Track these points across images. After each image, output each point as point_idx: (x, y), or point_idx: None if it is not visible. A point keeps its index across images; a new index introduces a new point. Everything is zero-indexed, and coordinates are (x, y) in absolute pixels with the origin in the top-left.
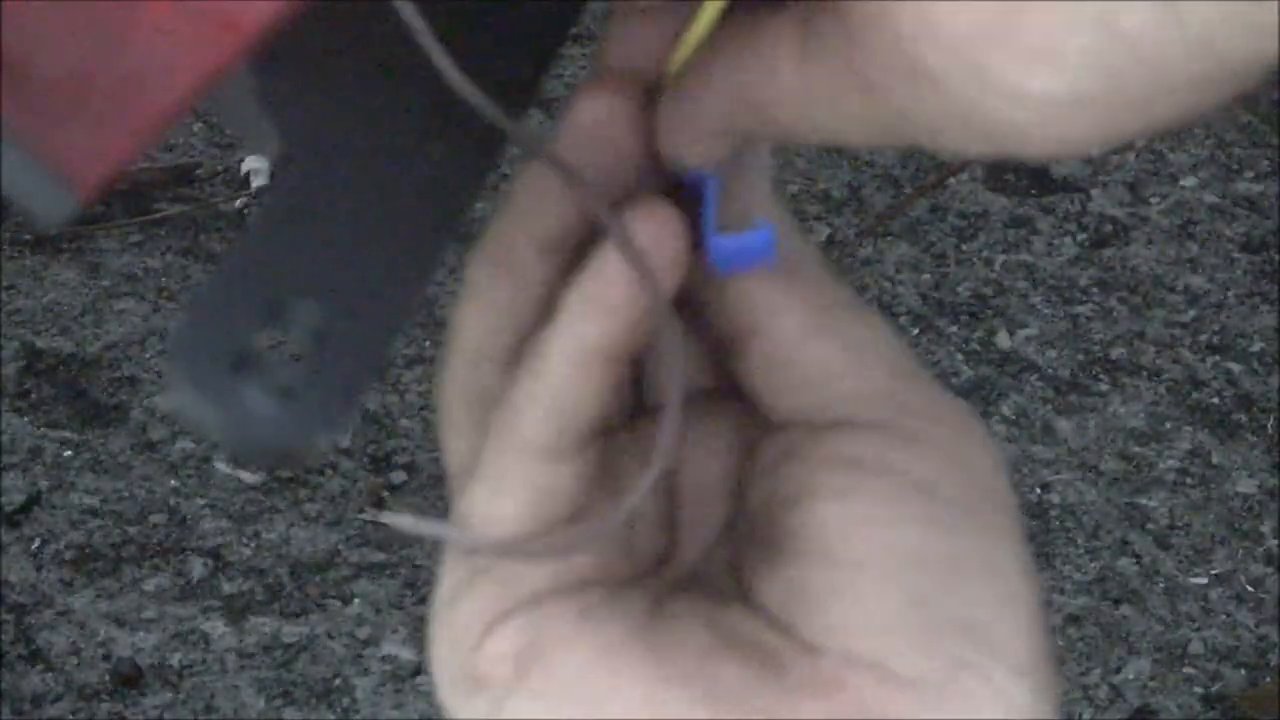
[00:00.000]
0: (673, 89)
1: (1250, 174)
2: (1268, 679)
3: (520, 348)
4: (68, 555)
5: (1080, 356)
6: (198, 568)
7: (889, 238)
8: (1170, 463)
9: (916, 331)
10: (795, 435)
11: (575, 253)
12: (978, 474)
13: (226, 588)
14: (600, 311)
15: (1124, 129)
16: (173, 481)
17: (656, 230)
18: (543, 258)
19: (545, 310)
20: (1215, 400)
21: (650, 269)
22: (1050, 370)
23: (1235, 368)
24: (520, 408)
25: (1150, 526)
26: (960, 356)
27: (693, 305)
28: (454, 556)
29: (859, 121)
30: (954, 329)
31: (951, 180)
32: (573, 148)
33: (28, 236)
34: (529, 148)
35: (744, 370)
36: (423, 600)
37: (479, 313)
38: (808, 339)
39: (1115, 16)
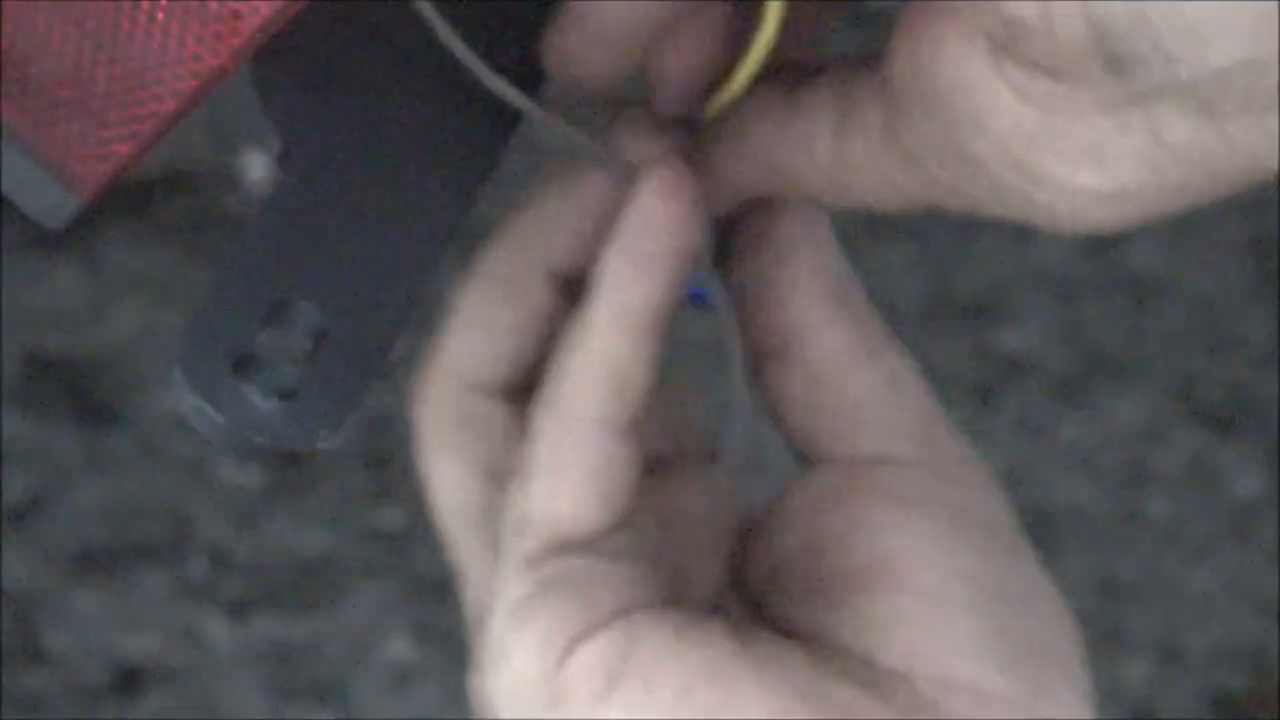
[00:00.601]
0: (704, 145)
1: None
2: (1268, 679)
3: (521, 379)
4: (67, 555)
5: (1080, 356)
6: (198, 568)
7: (889, 237)
8: (1170, 463)
9: (917, 331)
10: (834, 475)
11: (581, 289)
12: (1000, 506)
13: (226, 588)
14: (644, 265)
15: (1162, 212)
16: (173, 481)
17: (676, 182)
18: (550, 287)
19: (550, 342)
20: (1215, 400)
21: (679, 219)
22: (1050, 370)
23: (1235, 368)
24: (574, 382)
25: (1150, 526)
26: (961, 357)
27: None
28: (514, 568)
29: (891, 190)
30: (954, 329)
31: None
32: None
33: (28, 236)
34: (547, 125)
35: (781, 392)
36: (423, 600)
37: (473, 339)
38: (853, 364)
39: (1162, 128)
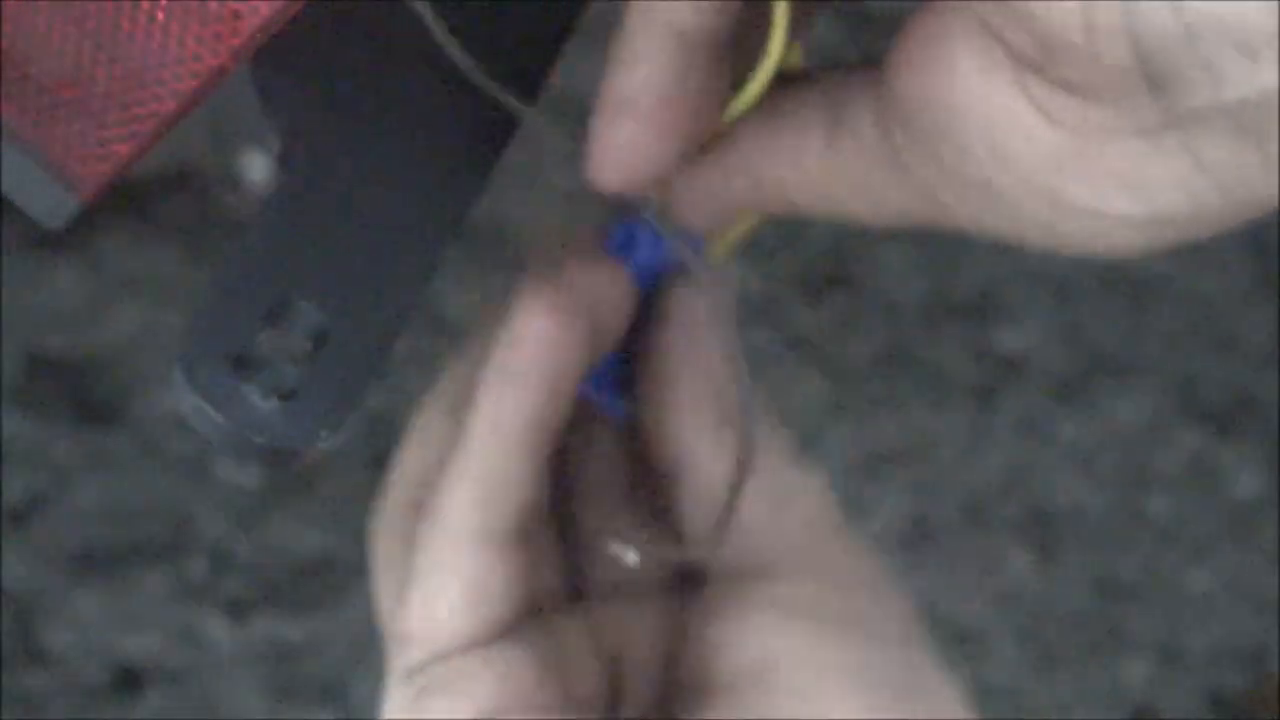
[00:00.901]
0: (696, 158)
1: None
2: (1268, 679)
3: None
4: (67, 555)
5: (1080, 356)
6: (198, 568)
7: (888, 237)
8: (1170, 463)
9: (917, 331)
10: (723, 587)
11: None
12: (890, 604)
13: (226, 588)
14: (514, 382)
15: (1197, 237)
16: (173, 481)
17: (552, 302)
18: None
19: None
20: (1215, 400)
21: (551, 338)
22: (1050, 370)
23: (1235, 368)
24: (448, 491)
25: (1150, 526)
26: (961, 356)
27: (630, 437)
28: (396, 680)
29: (886, 207)
30: (954, 329)
31: None
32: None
33: (28, 236)
34: (541, 133)
35: (675, 505)
36: None
37: (425, 456)
38: (735, 488)
39: (1203, 152)
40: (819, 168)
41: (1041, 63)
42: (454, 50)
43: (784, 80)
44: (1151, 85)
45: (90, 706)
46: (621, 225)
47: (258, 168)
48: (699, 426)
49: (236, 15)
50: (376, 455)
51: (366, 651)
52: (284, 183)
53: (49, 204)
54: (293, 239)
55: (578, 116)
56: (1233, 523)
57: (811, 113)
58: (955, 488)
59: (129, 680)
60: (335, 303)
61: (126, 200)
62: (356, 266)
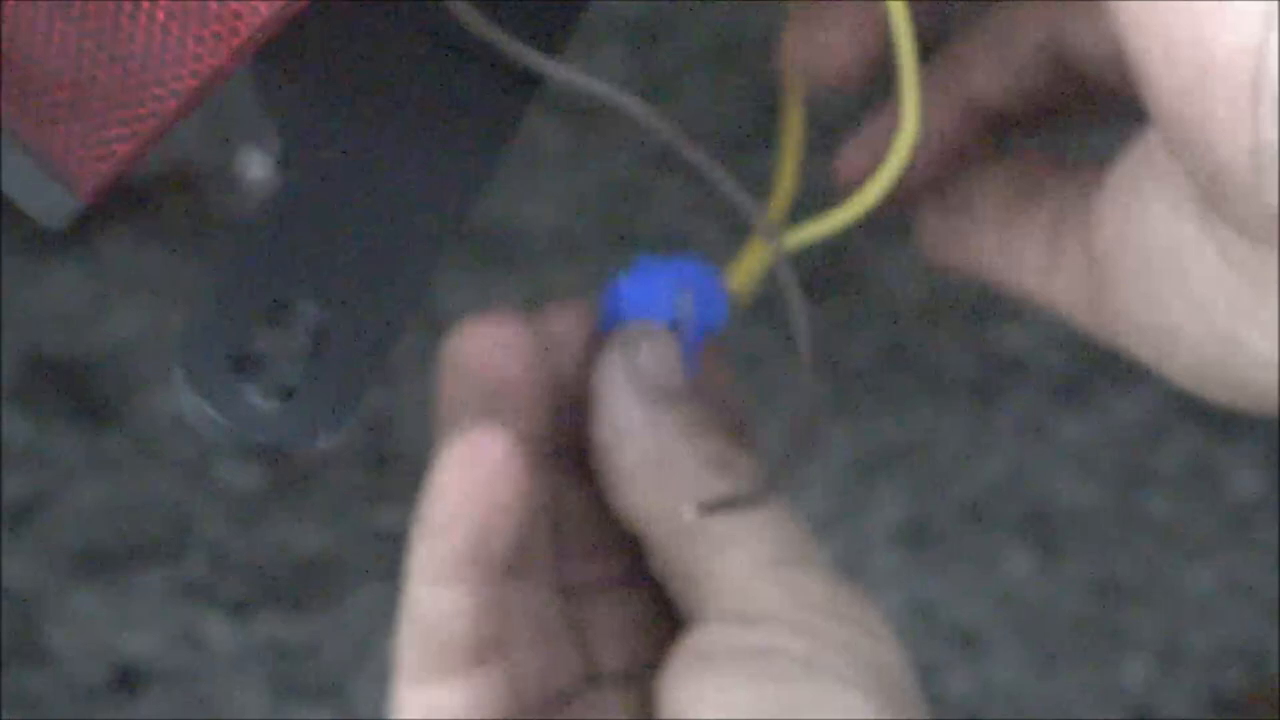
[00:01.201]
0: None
1: None
2: (1268, 679)
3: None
4: (67, 555)
5: (1080, 356)
6: (198, 568)
7: (888, 238)
8: (1170, 463)
9: (917, 332)
10: (691, 636)
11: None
12: (876, 668)
13: (226, 588)
14: (446, 525)
15: None
16: (173, 481)
17: (481, 448)
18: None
19: None
20: None
21: (478, 484)
22: (1050, 370)
23: None
24: (399, 635)
25: (1150, 526)
26: (961, 357)
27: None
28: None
29: (1091, 324)
30: (954, 329)
31: None
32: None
33: (28, 236)
34: (570, 82)
35: (647, 558)
36: None
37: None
38: (683, 542)
39: None
40: (1037, 280)
41: (1218, 201)
42: (473, 17)
43: (1016, 167)
44: None
45: (90, 706)
46: (616, 284)
47: (258, 167)
48: (661, 499)
49: (236, 15)
50: (376, 455)
51: (366, 651)
52: (284, 182)
53: (49, 204)
54: (293, 239)
55: (578, 116)
56: (1233, 523)
57: (1035, 229)
58: (955, 488)
59: (129, 680)
60: (335, 303)
61: (126, 200)
62: (356, 266)
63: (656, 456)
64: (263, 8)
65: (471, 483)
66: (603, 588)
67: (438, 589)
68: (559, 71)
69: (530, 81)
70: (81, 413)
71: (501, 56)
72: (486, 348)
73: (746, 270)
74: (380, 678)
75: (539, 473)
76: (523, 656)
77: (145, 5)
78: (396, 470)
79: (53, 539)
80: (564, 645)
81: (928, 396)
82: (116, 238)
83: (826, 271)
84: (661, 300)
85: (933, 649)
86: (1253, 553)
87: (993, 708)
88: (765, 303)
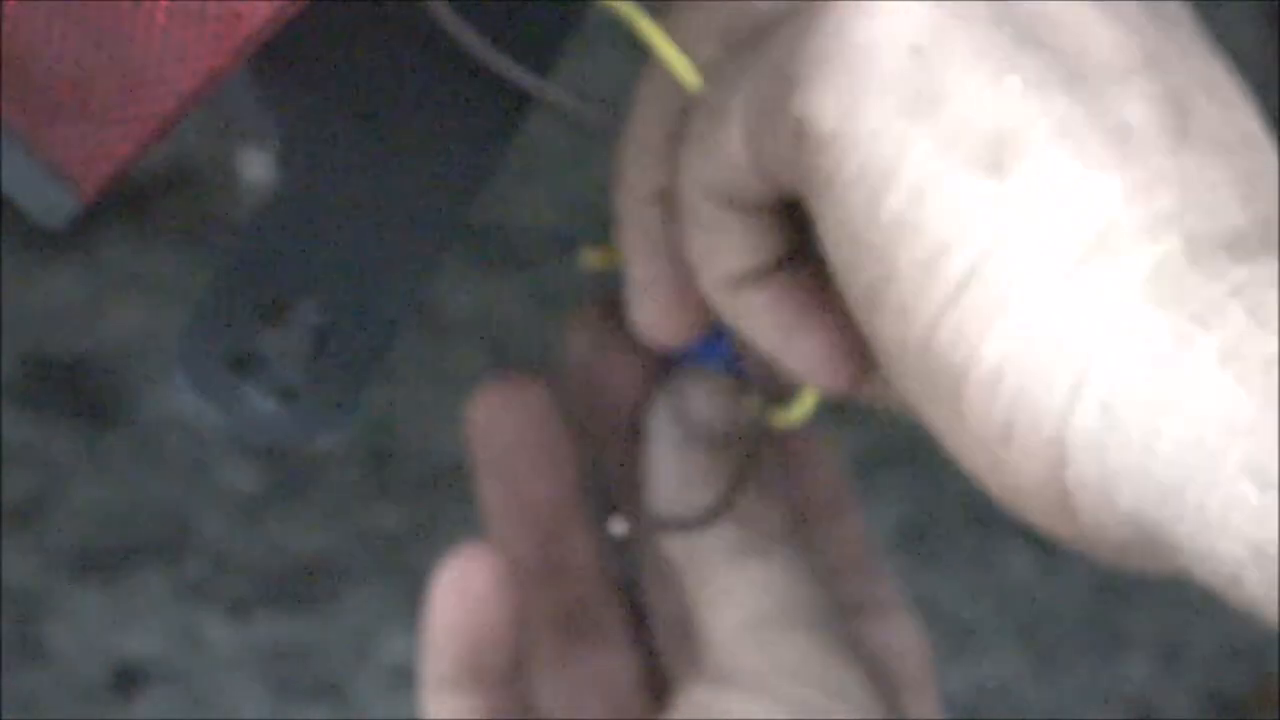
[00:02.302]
0: None
1: None
2: (1268, 679)
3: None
4: (67, 555)
5: None
6: (198, 568)
7: None
8: None
9: None
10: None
11: None
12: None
13: (226, 588)
14: (441, 643)
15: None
16: (173, 481)
17: (467, 572)
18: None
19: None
20: None
21: (466, 606)
22: None
23: None
24: None
25: None
26: None
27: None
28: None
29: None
30: None
31: None
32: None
33: (28, 236)
34: (557, 103)
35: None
36: (423, 600)
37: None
38: (691, 591)
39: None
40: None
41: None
42: (466, 35)
43: None
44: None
45: (90, 706)
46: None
47: (257, 167)
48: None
49: (236, 16)
50: (376, 455)
51: (366, 651)
52: (284, 182)
53: (49, 204)
54: (293, 239)
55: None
56: None
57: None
58: (955, 488)
59: (129, 680)
60: (335, 303)
61: (126, 200)
62: (357, 266)
63: (681, 496)
64: (263, 8)
65: (462, 607)
66: (599, 659)
67: (442, 696)
68: (545, 90)
69: (538, 68)
70: (81, 413)
71: (512, 40)
72: (503, 413)
73: None
74: (380, 678)
75: (553, 547)
76: None
77: (145, 5)
78: (396, 470)
79: (53, 539)
80: None
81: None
82: (116, 238)
83: None
84: (715, 340)
85: (932, 648)
86: None
87: (992, 707)
88: None
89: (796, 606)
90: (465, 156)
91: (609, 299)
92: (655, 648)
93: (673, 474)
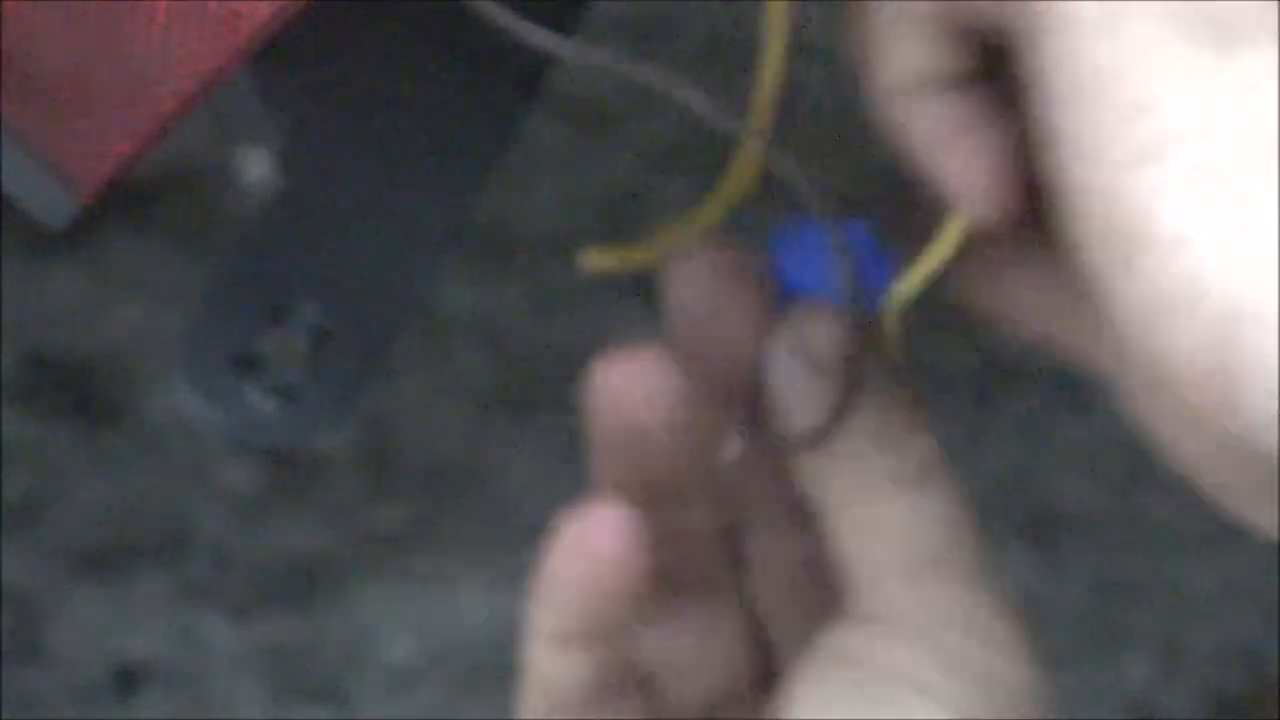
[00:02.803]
0: None
1: None
2: (1268, 679)
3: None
4: (67, 555)
5: None
6: (198, 568)
7: None
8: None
9: (917, 332)
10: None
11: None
12: (987, 682)
13: (226, 588)
14: (558, 597)
15: None
16: (173, 481)
17: (593, 529)
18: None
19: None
20: None
21: (591, 562)
22: (1050, 370)
23: None
24: (522, 689)
25: (1150, 526)
26: (961, 357)
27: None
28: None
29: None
30: (954, 330)
31: None
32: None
33: (28, 236)
34: (588, 63)
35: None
36: (423, 600)
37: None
38: (837, 525)
39: None
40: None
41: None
42: (490, 7)
43: None
44: None
45: (90, 706)
46: (792, 227)
47: (257, 167)
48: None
49: (236, 15)
50: (376, 455)
51: (366, 651)
52: (285, 182)
53: (49, 204)
54: (293, 239)
55: (578, 116)
56: (1233, 523)
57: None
58: (955, 488)
59: (129, 680)
60: (335, 303)
61: (126, 200)
62: (357, 266)
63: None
64: (262, 8)
65: (584, 566)
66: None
67: (551, 651)
68: (572, 51)
69: (531, 82)
70: (81, 413)
71: (502, 56)
72: (624, 388)
73: (734, 184)
74: (380, 678)
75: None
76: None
77: (145, 5)
78: (396, 470)
79: (53, 539)
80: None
81: (928, 396)
82: (116, 238)
83: None
84: (822, 268)
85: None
86: (1253, 553)
87: None
88: None
89: (952, 546)
90: (465, 157)
91: (701, 253)
92: (758, 605)
93: (797, 404)
